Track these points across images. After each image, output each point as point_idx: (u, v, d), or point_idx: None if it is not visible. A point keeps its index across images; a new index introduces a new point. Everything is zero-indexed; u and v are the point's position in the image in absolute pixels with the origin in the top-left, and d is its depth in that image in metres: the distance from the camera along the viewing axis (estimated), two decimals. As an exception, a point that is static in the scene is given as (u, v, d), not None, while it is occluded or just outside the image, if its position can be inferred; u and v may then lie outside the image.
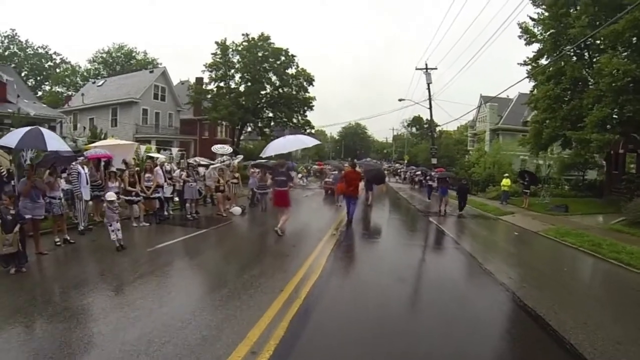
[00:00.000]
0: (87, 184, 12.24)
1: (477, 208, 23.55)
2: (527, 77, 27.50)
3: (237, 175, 17.81)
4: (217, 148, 19.79)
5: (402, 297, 7.32)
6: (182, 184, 15.68)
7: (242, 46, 42.22)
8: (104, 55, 74.75)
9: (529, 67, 27.81)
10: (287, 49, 42.33)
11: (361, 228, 15.39)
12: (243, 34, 42.35)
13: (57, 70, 73.38)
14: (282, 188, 12.93)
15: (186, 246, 11.01)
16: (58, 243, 10.11)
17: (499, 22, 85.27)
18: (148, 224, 13.49)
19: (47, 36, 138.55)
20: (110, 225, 9.82)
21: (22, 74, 68.53)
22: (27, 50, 71.06)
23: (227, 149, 19.80)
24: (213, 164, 17.50)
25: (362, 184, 20.39)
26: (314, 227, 14.62)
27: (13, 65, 65.64)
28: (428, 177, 31.21)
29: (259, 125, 45.61)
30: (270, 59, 41.92)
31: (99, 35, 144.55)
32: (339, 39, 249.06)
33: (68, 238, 10.46)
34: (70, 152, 11.93)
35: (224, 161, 22.01)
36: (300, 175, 37.99)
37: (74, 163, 11.99)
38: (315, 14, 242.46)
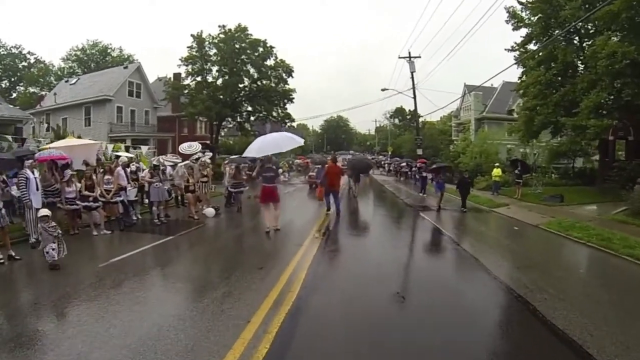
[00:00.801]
0: (38, 190, 10.79)
1: (469, 200, 22.28)
2: (516, 63, 26.61)
3: (206, 173, 16.18)
4: (184, 147, 18.14)
5: (402, 326, 5.82)
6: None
7: (218, 38, 40.56)
8: (78, 53, 71.84)
9: (517, 53, 26.86)
10: (265, 39, 40.69)
11: (347, 227, 14.25)
12: (219, 26, 40.48)
13: (32, 70, 70.61)
14: (270, 184, 12.56)
15: (144, 259, 9.58)
16: (1, 261, 8.66)
17: (482, 10, 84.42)
18: (110, 232, 12.07)
19: (21, 35, 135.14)
20: (45, 248, 8.30)
21: None
22: (0, 50, 68.42)
23: (196, 146, 18.16)
24: (182, 162, 15.95)
25: (345, 177, 21.29)
26: (295, 228, 13.50)
27: None
28: (421, 169, 27.97)
29: (238, 120, 43.96)
30: (248, 51, 40.25)
31: (75, 34, 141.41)
32: (320, 34, 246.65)
33: (13, 254, 9.02)
34: (9, 156, 10.54)
35: (197, 158, 20.69)
36: (281, 171, 36.55)
37: (26, 166, 10.57)
38: (297, 9, 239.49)
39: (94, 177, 12.33)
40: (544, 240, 13.03)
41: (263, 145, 12.97)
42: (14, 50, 69.99)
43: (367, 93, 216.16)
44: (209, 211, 15.31)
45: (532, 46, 26.11)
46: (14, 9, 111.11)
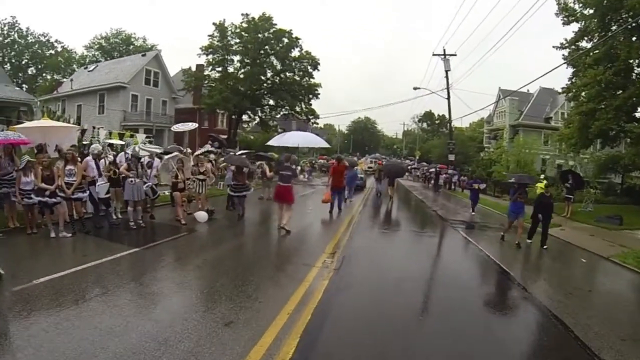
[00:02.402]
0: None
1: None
2: (565, 62, 23.45)
3: (205, 169, 13.41)
4: (177, 126, 15.55)
5: None
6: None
7: (241, 27, 38.22)
8: (102, 42, 70.55)
9: (567, 50, 23.82)
10: (291, 30, 38.33)
11: (371, 249, 11.55)
12: (243, 14, 38.42)
13: (56, 57, 69.60)
14: (286, 183, 12.08)
15: (83, 282, 6.73)
16: None
17: (520, 10, 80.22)
18: (70, 235, 9.57)
19: (48, 24, 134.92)
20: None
21: (23, 62, 67.76)
22: (28, 38, 67.83)
23: (191, 125, 15.48)
24: (173, 154, 13.19)
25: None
26: (308, 240, 11.69)
27: (13, 53, 64.92)
28: (471, 180, 23.64)
29: (259, 114, 41.54)
30: (272, 41, 37.86)
31: (102, 23, 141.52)
32: (348, 35, 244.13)
33: None
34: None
35: (209, 152, 18.16)
36: (299, 169, 33.83)
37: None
38: (324, 10, 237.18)
39: (54, 166, 9.87)
40: (630, 284, 9.82)
41: (287, 137, 14.29)
42: (41, 39, 69.52)
43: (396, 97, 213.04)
44: (200, 215, 12.57)
45: (584, 43, 23.15)
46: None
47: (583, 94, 22.87)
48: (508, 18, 49.54)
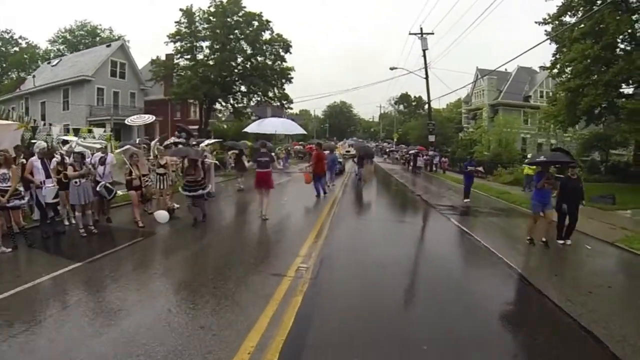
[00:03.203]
0: None
1: (500, 198, 18.44)
2: (549, 38, 22.64)
3: (165, 162, 12.01)
4: (132, 119, 13.94)
5: None
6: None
7: (209, 12, 36.56)
8: (66, 35, 67.84)
9: (550, 26, 22.96)
10: (261, 12, 36.70)
11: (352, 247, 10.06)
12: (210, -2, 36.56)
13: (18, 53, 66.66)
14: (265, 169, 12.29)
15: (7, 311, 5.43)
16: None
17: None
18: (10, 250, 8.20)
19: (11, 20, 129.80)
20: None
21: None
22: (-10, 35, 64.43)
23: (148, 118, 13.91)
24: (125, 147, 11.69)
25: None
26: (276, 247, 9.62)
27: None
28: (466, 163, 19.87)
29: (231, 102, 40.04)
30: (242, 25, 36.26)
31: (69, 17, 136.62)
32: (322, 20, 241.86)
33: None
34: None
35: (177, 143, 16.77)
36: (275, 157, 32.41)
37: None
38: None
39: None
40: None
41: (265, 123, 14.46)
42: (4, 35, 66.69)
43: (372, 80, 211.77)
44: (160, 215, 11.14)
45: (568, 18, 22.33)
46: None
47: (568, 69, 22.05)
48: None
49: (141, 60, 43.70)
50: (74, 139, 14.92)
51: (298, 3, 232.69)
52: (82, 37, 67.33)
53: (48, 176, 9.63)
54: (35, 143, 12.21)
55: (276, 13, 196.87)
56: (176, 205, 12.70)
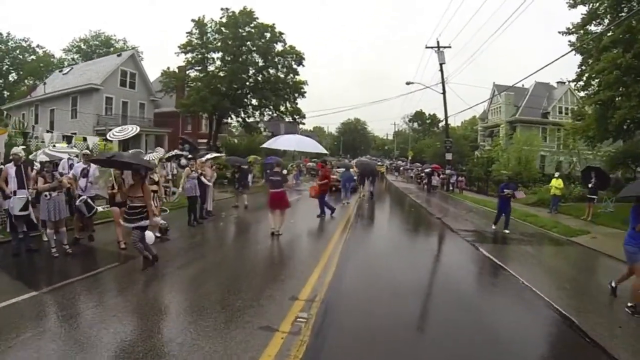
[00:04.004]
0: None
1: (526, 221, 16.75)
2: (573, 49, 21.22)
3: (157, 178, 10.55)
4: (114, 133, 12.40)
5: None
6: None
7: (220, 23, 35.76)
8: (81, 44, 68.06)
9: (575, 36, 21.62)
10: (274, 24, 35.78)
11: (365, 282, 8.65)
12: (222, 9, 35.70)
13: (33, 61, 66.82)
14: (277, 189, 11.96)
15: None
16: None
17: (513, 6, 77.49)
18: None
19: (29, 29, 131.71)
20: None
21: (4, 69, 65.28)
22: (9, 43, 65.18)
23: (131, 130, 12.30)
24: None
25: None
26: (270, 286, 7.55)
27: None
28: (502, 185, 15.60)
29: (242, 115, 39.02)
30: (254, 37, 35.37)
31: (85, 27, 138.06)
32: (338, 34, 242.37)
33: None
34: None
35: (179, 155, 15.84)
36: (285, 172, 31.01)
37: None
38: (315, 11, 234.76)
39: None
40: None
41: (282, 140, 15.06)
42: (22, 44, 67.00)
43: (387, 97, 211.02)
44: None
45: (593, 27, 20.94)
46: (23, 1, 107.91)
47: (595, 81, 20.69)
48: (501, 11, 47.41)
49: (155, 72, 43.04)
50: (61, 146, 13.90)
51: (313, 22, 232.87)
52: (97, 47, 67.48)
53: (21, 186, 8.51)
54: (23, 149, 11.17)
55: (292, 31, 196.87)
56: (166, 225, 11.30)
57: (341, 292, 7.29)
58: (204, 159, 15.03)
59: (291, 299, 6.71)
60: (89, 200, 9.52)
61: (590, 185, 17.64)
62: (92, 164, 9.97)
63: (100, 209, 10.93)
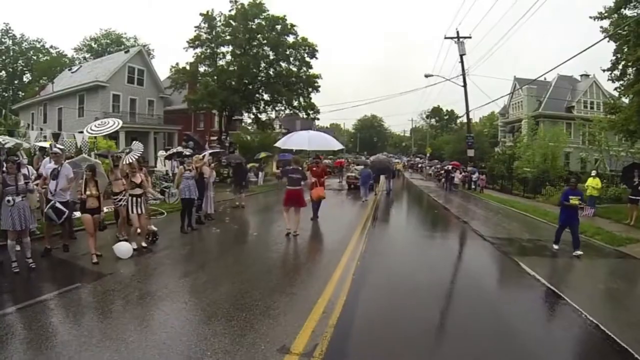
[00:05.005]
0: None
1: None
2: (606, 36, 19.56)
3: (141, 180, 9.05)
4: (91, 127, 10.83)
5: None
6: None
7: (229, 15, 34.41)
8: (91, 43, 67.85)
9: (607, 20, 19.87)
10: (285, 16, 34.32)
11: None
12: (231, 1, 34.32)
13: (44, 60, 66.58)
14: (296, 187, 11.50)
15: None
16: None
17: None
18: None
19: (43, 30, 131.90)
20: None
21: (18, 69, 65.69)
22: (23, 44, 65.24)
23: (112, 124, 10.61)
24: (77, 157, 8.93)
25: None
26: (275, 306, 6.02)
27: (8, 60, 63.34)
28: (567, 189, 11.39)
29: (253, 111, 37.65)
30: (264, 29, 33.99)
31: (95, 25, 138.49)
32: (355, 30, 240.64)
33: None
34: None
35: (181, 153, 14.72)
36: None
37: None
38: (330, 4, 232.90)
39: None
40: None
41: (296, 138, 14.00)
42: (36, 44, 67.09)
43: (405, 98, 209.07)
44: (121, 249, 8.20)
45: (628, 11, 19.16)
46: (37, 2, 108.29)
47: (631, 69, 18.96)
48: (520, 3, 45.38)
49: (165, 69, 42.11)
50: (45, 144, 12.65)
51: (328, 16, 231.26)
52: (107, 46, 66.93)
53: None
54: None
55: (308, 27, 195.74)
56: (155, 232, 9.94)
57: (359, 311, 5.98)
58: (201, 155, 13.57)
59: (303, 314, 5.59)
60: (58, 204, 8.02)
61: (635, 184, 15.56)
62: (65, 164, 8.56)
63: (77, 214, 9.42)
